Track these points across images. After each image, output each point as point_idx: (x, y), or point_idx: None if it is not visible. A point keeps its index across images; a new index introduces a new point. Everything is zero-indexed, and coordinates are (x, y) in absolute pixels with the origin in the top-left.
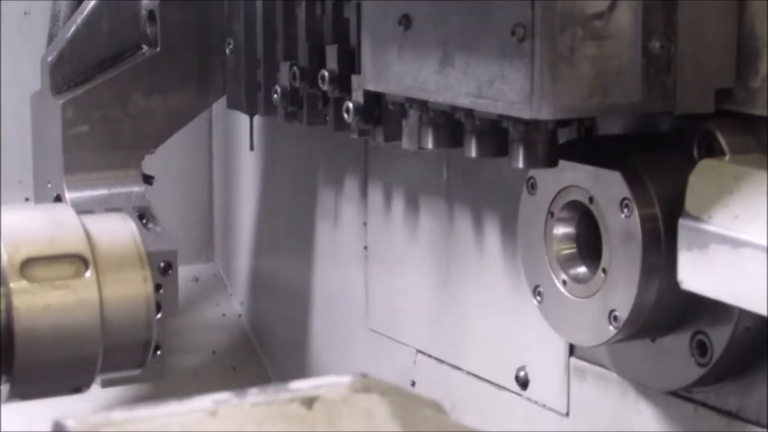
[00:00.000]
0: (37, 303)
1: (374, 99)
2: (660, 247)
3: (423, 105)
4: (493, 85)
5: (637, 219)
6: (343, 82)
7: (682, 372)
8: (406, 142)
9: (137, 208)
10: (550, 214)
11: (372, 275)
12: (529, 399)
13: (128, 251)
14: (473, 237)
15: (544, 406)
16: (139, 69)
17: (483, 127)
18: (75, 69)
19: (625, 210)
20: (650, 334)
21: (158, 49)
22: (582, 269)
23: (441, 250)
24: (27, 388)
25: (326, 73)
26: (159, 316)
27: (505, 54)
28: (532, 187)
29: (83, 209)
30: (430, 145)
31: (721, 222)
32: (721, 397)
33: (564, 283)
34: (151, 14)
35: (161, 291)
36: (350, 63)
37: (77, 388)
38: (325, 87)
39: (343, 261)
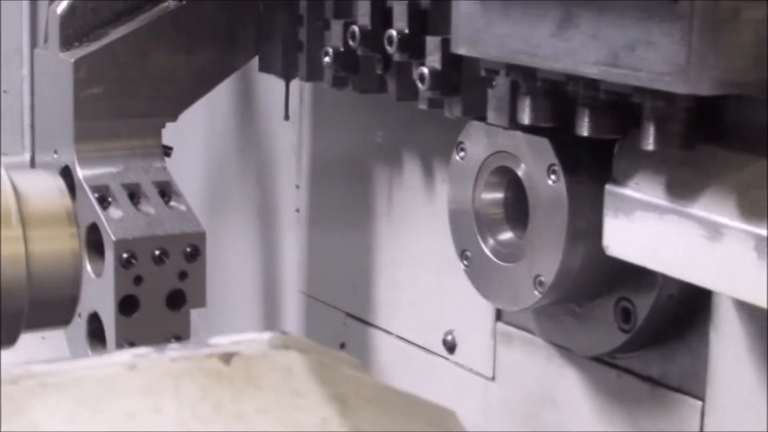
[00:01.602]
0: None
1: (454, 64)
2: (586, 214)
3: (530, 74)
4: (635, 52)
5: (564, 185)
6: (413, 43)
7: (605, 338)
8: (493, 116)
9: (157, 183)
10: (479, 178)
11: (304, 238)
12: (456, 363)
13: (55, 208)
14: (406, 201)
15: (470, 370)
16: (161, 24)
17: (603, 102)
18: (88, 22)
19: (552, 176)
20: (575, 299)
21: (183, 1)
22: (509, 234)
23: (373, 213)
24: None
25: (395, 34)
26: (185, 308)
27: (652, 14)
28: (461, 150)
29: (96, 184)
30: (527, 120)
31: (647, 189)
32: (644, 364)
33: (491, 247)
34: None
35: (187, 279)
36: (422, 22)
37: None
38: (392, 50)
39: (275, 223)
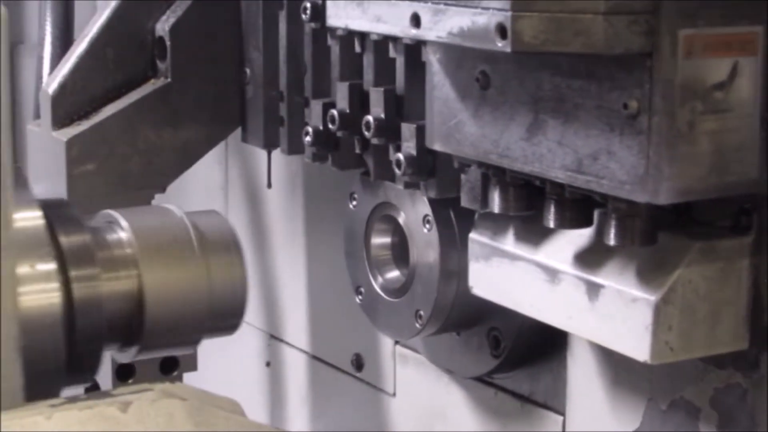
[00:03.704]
0: (160, 280)
1: (429, 150)
2: (456, 258)
3: (500, 170)
4: (597, 161)
5: (436, 233)
6: (389, 128)
7: (480, 362)
8: (465, 200)
9: None
10: (369, 224)
11: None
12: (362, 380)
13: (227, 239)
14: (321, 238)
15: (375, 386)
16: (149, 101)
17: (569, 198)
18: (79, 100)
19: (427, 225)
20: (453, 329)
21: (169, 79)
22: (395, 273)
23: (296, 244)
24: (149, 350)
25: (372, 120)
26: (178, 372)
27: (614, 127)
28: (354, 200)
29: None
30: (497, 209)
31: (502, 239)
32: (516, 383)
33: (380, 284)
34: (160, 41)
35: None
36: (397, 108)
37: (188, 349)
38: (369, 135)
39: None
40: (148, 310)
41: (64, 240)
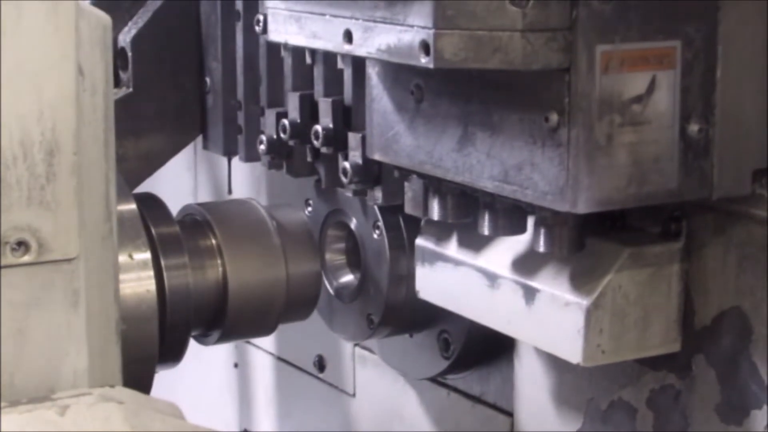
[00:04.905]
0: (242, 269)
1: (374, 159)
2: (405, 263)
3: (437, 180)
4: (522, 172)
5: (386, 240)
6: (337, 138)
7: (432, 363)
8: (409, 207)
9: None
10: (323, 230)
11: None
12: (324, 381)
13: (302, 230)
14: None
15: (336, 387)
16: None
17: (501, 207)
18: None
19: (377, 231)
20: (404, 332)
21: (131, 89)
22: (349, 277)
23: None
24: (229, 336)
25: (320, 130)
26: None
27: (536, 140)
28: (309, 206)
29: None
30: (436, 216)
31: (446, 245)
32: (468, 384)
33: (335, 288)
34: (122, 51)
35: None
36: (345, 118)
37: (265, 333)
38: (318, 144)
39: None
40: (231, 297)
41: (156, 231)
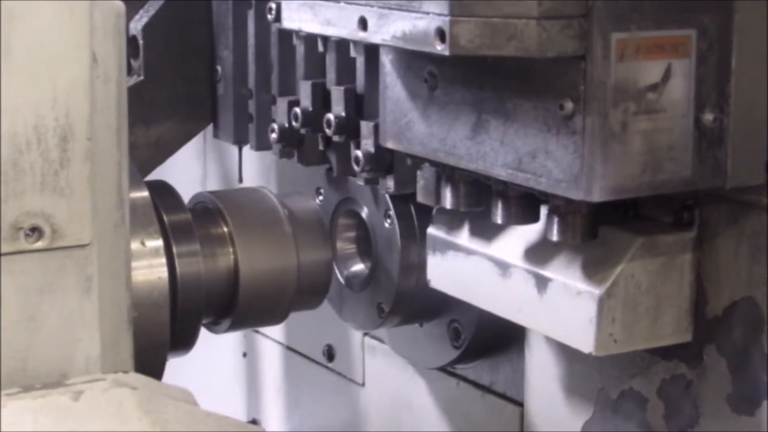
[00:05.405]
0: (254, 257)
1: (386, 147)
2: (416, 252)
3: (450, 168)
4: (536, 159)
5: (397, 229)
6: (349, 126)
7: (442, 353)
8: (421, 196)
9: None
10: (334, 218)
11: None
12: (333, 370)
13: (314, 219)
14: None
15: (345, 377)
16: None
17: (514, 195)
18: None
19: (388, 220)
20: (415, 321)
21: (142, 77)
22: (359, 266)
23: None
24: (240, 324)
25: (332, 118)
26: None
27: (550, 127)
28: (320, 195)
29: None
30: (448, 205)
31: (457, 234)
32: (477, 374)
33: (345, 277)
34: (133, 39)
35: None
36: (358, 106)
37: (276, 322)
38: (330, 132)
39: None
40: (242, 285)
41: (168, 218)
